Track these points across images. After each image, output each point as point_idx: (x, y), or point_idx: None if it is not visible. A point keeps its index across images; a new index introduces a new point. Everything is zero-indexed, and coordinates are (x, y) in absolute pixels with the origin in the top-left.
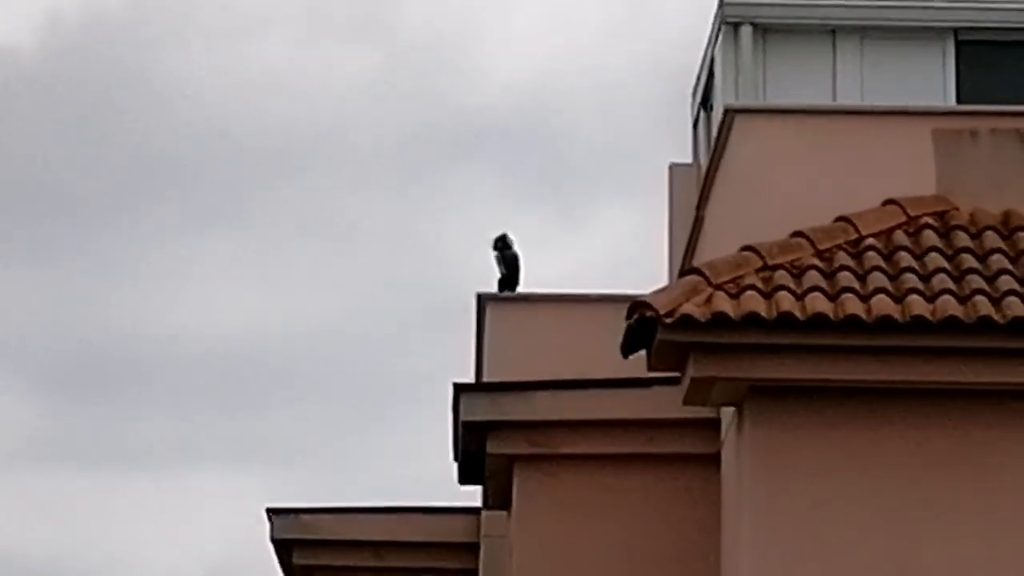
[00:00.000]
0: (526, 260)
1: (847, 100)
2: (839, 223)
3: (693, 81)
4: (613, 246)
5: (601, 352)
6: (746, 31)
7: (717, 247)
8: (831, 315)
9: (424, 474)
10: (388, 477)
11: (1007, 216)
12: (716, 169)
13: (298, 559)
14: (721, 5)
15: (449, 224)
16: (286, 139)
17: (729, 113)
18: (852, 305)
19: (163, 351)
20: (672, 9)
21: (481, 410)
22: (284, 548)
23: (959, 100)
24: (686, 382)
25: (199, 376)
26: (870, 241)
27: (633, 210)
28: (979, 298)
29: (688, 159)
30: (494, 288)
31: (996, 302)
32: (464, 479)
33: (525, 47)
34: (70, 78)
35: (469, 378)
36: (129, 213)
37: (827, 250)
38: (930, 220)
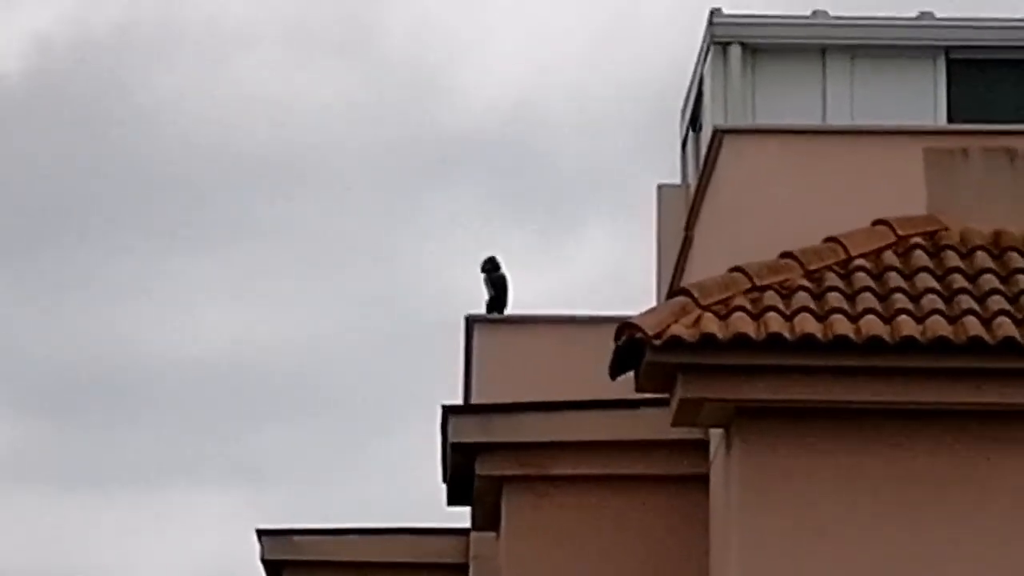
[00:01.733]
0: (510, 280)
1: (837, 120)
2: (828, 243)
3: (679, 101)
4: (596, 266)
5: (590, 373)
6: (735, 51)
7: (706, 268)
8: (820, 336)
9: (413, 495)
10: (377, 498)
11: (997, 236)
12: (705, 189)
13: None
14: (710, 24)
15: (433, 244)
16: (271, 157)
17: (718, 133)
18: (841, 326)
19: (149, 370)
20: (654, 30)
21: (470, 432)
22: (274, 569)
23: (950, 119)
24: (674, 403)
25: (185, 395)
26: (859, 261)
27: (616, 230)
28: (969, 318)
29: (675, 179)
30: (482, 309)
31: (986, 322)
32: (453, 500)
33: (508, 66)
34: (56, 100)
35: (458, 399)
36: (114, 234)
37: (816, 271)
38: (920, 240)
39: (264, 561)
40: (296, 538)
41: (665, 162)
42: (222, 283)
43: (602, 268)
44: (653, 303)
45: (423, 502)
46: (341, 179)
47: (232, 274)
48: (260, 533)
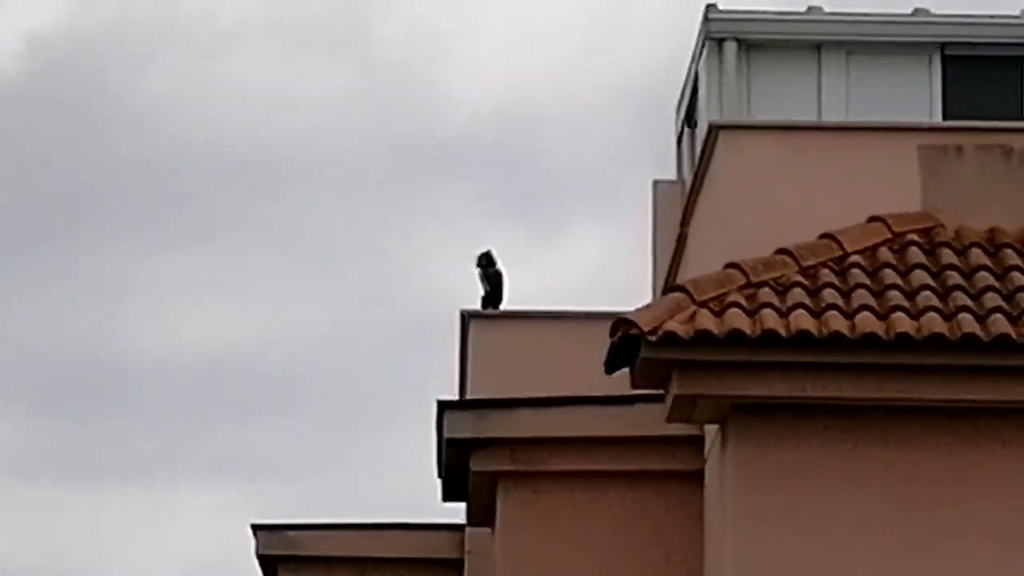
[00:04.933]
0: (505, 275)
1: (832, 116)
2: (823, 240)
3: (672, 98)
4: (588, 264)
5: (585, 369)
6: (730, 47)
7: (701, 264)
8: (815, 332)
9: (408, 491)
10: (372, 493)
11: (992, 233)
12: (700, 186)
13: (283, 575)
14: (705, 21)
15: (425, 240)
16: (264, 155)
17: (713, 129)
18: (836, 322)
19: (143, 366)
20: (646, 27)
21: (465, 427)
22: (269, 564)
23: (945, 116)
24: (669, 399)
25: (179, 391)
26: (855, 258)
27: (609, 227)
28: (964, 315)
29: (670, 175)
30: (476, 304)
31: (981, 319)
32: (448, 496)
33: (499, 64)
34: (49, 98)
35: (453, 395)
36: (110, 231)
37: (811, 267)
38: (915, 237)
39: (259, 556)
40: (291, 533)
41: (658, 158)
42: (216, 279)
43: (594, 265)
44: (648, 299)
45: (418, 498)
46: (333, 176)
47: (226, 270)
48: (255, 528)
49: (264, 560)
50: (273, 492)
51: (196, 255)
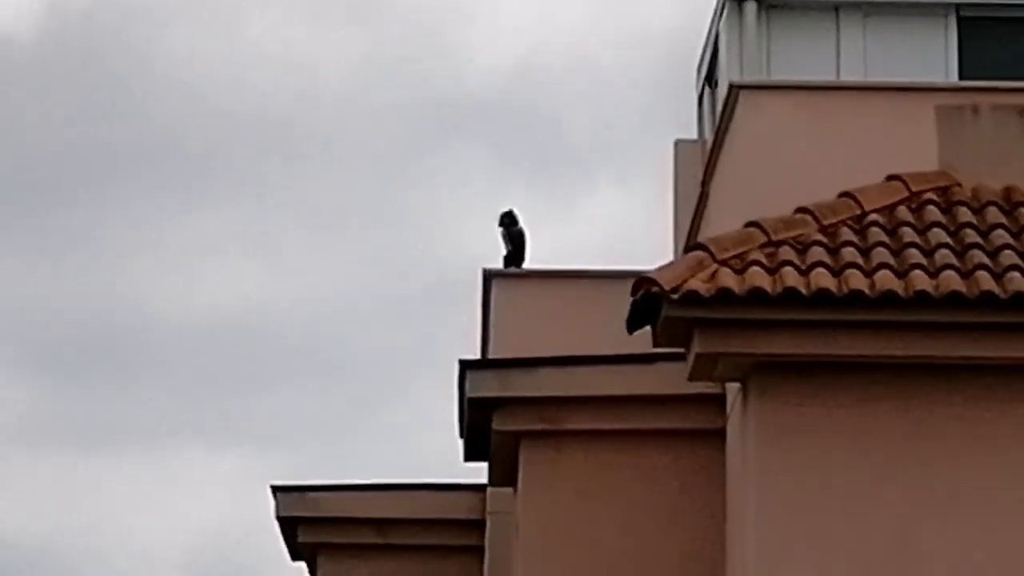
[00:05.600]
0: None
1: (850, 76)
2: (843, 199)
3: (691, 58)
4: (607, 223)
5: (607, 328)
6: (750, 7)
7: (722, 223)
8: (835, 290)
9: (429, 451)
10: (393, 454)
11: (1009, 192)
12: (721, 145)
13: (303, 537)
14: None
15: (445, 202)
16: (282, 118)
17: (734, 89)
18: (856, 280)
19: (161, 330)
20: None
21: (487, 387)
22: (289, 525)
23: (961, 76)
24: (691, 358)
25: (197, 355)
26: (873, 217)
27: (630, 187)
28: (981, 273)
29: (691, 135)
30: (499, 264)
31: (998, 277)
32: (470, 456)
33: (517, 25)
34: (68, 60)
35: (475, 354)
36: (123, 194)
37: (831, 225)
38: (932, 196)
39: (279, 518)
40: (311, 494)
41: (679, 118)
42: (234, 242)
43: (615, 224)
44: (670, 258)
45: (440, 458)
46: (353, 138)
47: (243, 233)
48: (275, 489)
49: (284, 521)
50: (293, 455)
51: (215, 217)
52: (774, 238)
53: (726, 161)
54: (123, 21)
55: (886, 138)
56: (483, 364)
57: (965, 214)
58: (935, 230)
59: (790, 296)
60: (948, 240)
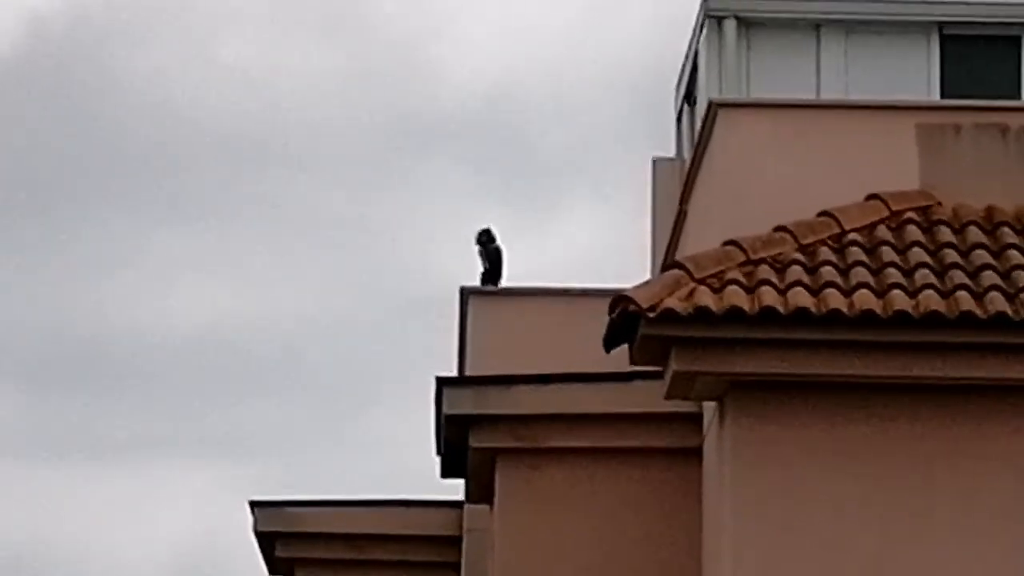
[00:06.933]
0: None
1: (831, 94)
2: (822, 218)
3: (669, 76)
4: (584, 241)
5: (584, 346)
6: (730, 25)
7: (700, 241)
8: (813, 310)
9: (406, 467)
10: (370, 470)
11: (990, 211)
12: (699, 163)
13: (281, 552)
14: None
15: (421, 219)
16: (257, 133)
17: (713, 107)
18: (834, 300)
19: (136, 344)
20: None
21: (464, 404)
22: (267, 540)
23: (943, 95)
24: (668, 376)
25: (175, 369)
26: (853, 236)
27: (605, 205)
28: (961, 293)
29: (669, 153)
30: (476, 281)
31: (979, 297)
32: (447, 473)
33: (493, 42)
34: (45, 77)
35: (452, 372)
36: (104, 208)
37: (810, 245)
38: (913, 215)
39: (257, 533)
40: (289, 510)
41: (657, 136)
42: (209, 257)
43: (593, 243)
44: (647, 276)
45: (417, 475)
46: (329, 154)
47: (219, 249)
48: (253, 505)
49: (262, 536)
50: (270, 470)
51: (190, 232)
52: (752, 257)
53: (704, 179)
54: (100, 39)
55: (866, 157)
56: (460, 381)
57: (946, 234)
58: (915, 250)
59: (768, 315)
60: (928, 260)
